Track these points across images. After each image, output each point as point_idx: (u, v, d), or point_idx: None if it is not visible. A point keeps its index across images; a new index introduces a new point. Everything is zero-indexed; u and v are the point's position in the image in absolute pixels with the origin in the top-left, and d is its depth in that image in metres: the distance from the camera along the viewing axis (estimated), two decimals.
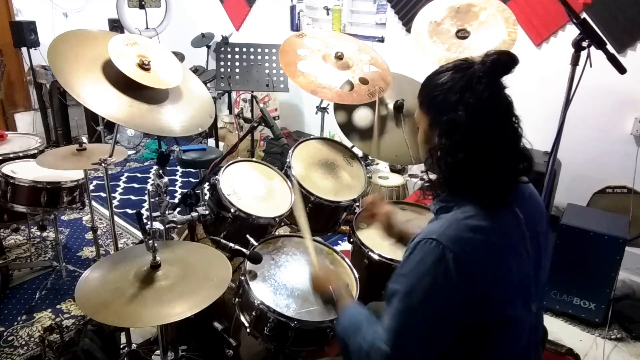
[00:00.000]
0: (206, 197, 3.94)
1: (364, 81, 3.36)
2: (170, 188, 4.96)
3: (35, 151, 4.18)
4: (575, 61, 2.87)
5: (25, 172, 3.70)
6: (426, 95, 1.70)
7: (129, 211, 5.44)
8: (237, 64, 4.77)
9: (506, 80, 1.62)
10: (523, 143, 1.64)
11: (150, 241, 2.15)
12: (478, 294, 1.51)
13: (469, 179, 1.59)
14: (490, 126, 1.56)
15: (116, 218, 5.02)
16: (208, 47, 7.34)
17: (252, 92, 4.92)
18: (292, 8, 6.61)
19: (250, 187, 2.96)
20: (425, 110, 1.70)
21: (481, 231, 1.53)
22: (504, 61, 1.57)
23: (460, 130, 1.56)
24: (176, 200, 2.93)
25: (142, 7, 6.80)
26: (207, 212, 2.81)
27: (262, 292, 2.37)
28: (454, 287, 1.49)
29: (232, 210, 2.72)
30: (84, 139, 3.56)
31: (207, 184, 3.15)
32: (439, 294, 1.51)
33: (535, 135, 3.92)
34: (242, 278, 2.41)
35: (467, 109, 1.54)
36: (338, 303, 2.13)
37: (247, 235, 2.66)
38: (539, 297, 1.74)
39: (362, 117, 3.40)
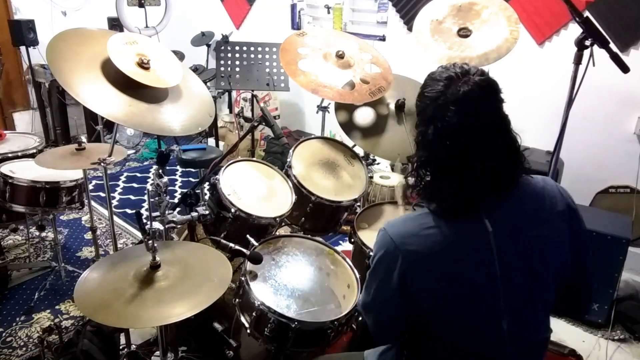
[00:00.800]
0: (206, 197, 3.93)
1: (365, 80, 3.36)
2: (170, 188, 4.96)
3: (34, 151, 4.18)
4: (578, 60, 2.87)
5: (24, 171, 3.70)
6: (417, 98, 1.75)
7: (129, 211, 5.45)
8: (237, 62, 4.77)
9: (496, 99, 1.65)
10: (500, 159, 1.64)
11: (150, 241, 2.15)
12: (413, 283, 1.64)
13: (435, 190, 1.69)
14: (456, 148, 1.61)
15: (115, 218, 5.02)
16: (208, 45, 7.35)
17: (253, 91, 4.92)
18: (293, 6, 6.61)
19: (250, 187, 2.96)
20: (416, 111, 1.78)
21: (432, 228, 1.64)
22: (476, 95, 1.59)
23: (428, 148, 1.67)
24: (176, 200, 2.93)
25: (141, 5, 6.81)
26: (207, 212, 2.80)
27: (262, 292, 2.37)
28: (391, 272, 1.66)
29: (233, 210, 2.71)
30: (83, 139, 3.57)
31: (207, 183, 3.15)
32: (382, 273, 1.73)
33: (538, 134, 3.94)
34: (243, 278, 2.41)
35: (435, 129, 1.62)
36: None
37: (248, 236, 2.66)
38: (521, 314, 1.69)
39: (364, 116, 3.40)
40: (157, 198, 2.46)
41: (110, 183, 3.20)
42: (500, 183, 1.63)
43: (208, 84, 6.53)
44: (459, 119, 1.57)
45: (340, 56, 3.41)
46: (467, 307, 1.65)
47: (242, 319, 2.42)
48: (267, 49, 4.79)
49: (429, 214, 1.67)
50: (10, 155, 4.05)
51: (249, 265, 2.46)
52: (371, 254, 2.75)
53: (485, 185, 1.61)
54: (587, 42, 2.78)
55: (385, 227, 1.72)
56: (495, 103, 1.62)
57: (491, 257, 1.62)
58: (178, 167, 6.43)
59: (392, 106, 3.43)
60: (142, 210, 5.33)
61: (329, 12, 6.27)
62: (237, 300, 2.48)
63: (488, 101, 1.60)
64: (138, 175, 6.51)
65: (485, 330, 1.67)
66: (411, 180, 1.78)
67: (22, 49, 6.61)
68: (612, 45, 2.74)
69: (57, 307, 3.77)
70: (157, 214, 2.50)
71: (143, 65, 2.68)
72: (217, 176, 2.85)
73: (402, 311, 1.74)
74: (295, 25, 6.67)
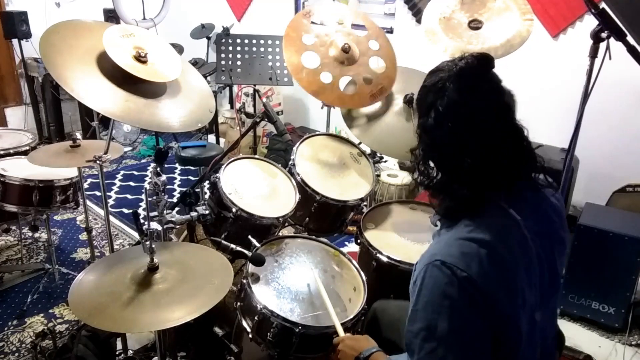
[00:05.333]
0: (206, 196, 3.93)
1: (368, 79, 3.35)
2: (168, 186, 4.95)
3: (27, 148, 4.19)
4: (593, 53, 2.87)
5: (16, 170, 3.70)
6: (417, 93, 1.76)
7: (125, 211, 5.46)
8: (238, 56, 4.76)
9: (492, 82, 1.65)
10: (525, 143, 1.67)
11: (148, 242, 2.15)
12: (491, 308, 1.51)
13: (445, 181, 1.67)
14: (462, 132, 1.60)
15: (112, 218, 5.01)
16: (208, 38, 7.35)
17: (255, 85, 4.91)
18: None
19: (252, 186, 2.96)
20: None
21: (485, 245, 1.55)
22: (472, 67, 1.62)
23: (430, 136, 1.66)
24: (175, 200, 2.92)
25: None
26: (207, 211, 2.80)
27: (264, 295, 2.37)
28: (473, 303, 1.50)
29: (234, 209, 2.71)
30: (78, 135, 3.57)
31: (207, 182, 3.16)
32: (463, 315, 1.51)
33: (552, 131, 3.94)
34: (244, 281, 2.41)
35: (436, 112, 1.61)
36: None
37: (249, 236, 2.66)
38: (547, 304, 1.73)
39: (370, 112, 3.40)
40: (155, 197, 2.46)
41: (106, 182, 3.21)
42: (512, 172, 1.63)
43: (208, 78, 6.53)
44: (459, 95, 1.58)
45: (345, 50, 3.40)
46: (518, 295, 1.59)
47: (244, 323, 2.42)
48: (269, 41, 4.79)
49: (468, 230, 1.59)
50: (1, 152, 4.06)
51: (250, 268, 2.46)
52: (378, 255, 2.77)
53: (497, 173, 1.61)
54: (603, 35, 2.78)
55: (435, 259, 1.54)
56: (493, 78, 1.64)
57: (527, 244, 1.63)
58: (177, 165, 6.44)
59: (400, 101, 3.42)
60: (140, 210, 5.32)
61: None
62: (238, 303, 2.48)
63: (485, 75, 1.63)
64: (135, 173, 6.52)
65: (525, 320, 1.62)
66: (416, 175, 1.77)
67: (15, 41, 6.61)
68: (629, 38, 2.73)
69: (50, 310, 3.78)
70: (155, 213, 2.49)
71: (140, 58, 2.68)
72: (217, 174, 2.85)
73: (488, 349, 1.55)
74: None
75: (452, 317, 1.50)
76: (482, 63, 1.62)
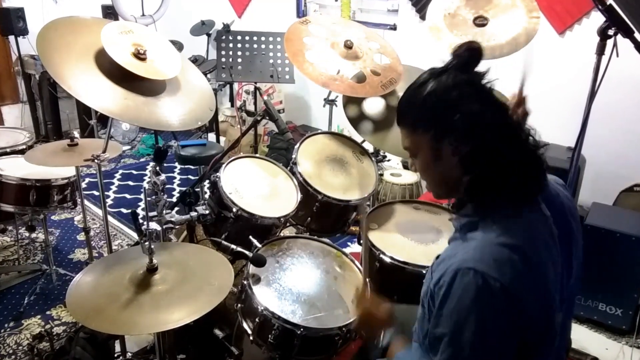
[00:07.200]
0: (206, 196, 3.93)
1: (375, 72, 3.35)
2: (168, 186, 4.96)
3: (24, 146, 4.19)
4: (600, 50, 2.86)
5: (13, 169, 3.70)
6: (417, 111, 1.65)
7: (124, 211, 5.46)
8: (239, 53, 4.76)
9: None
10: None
11: (147, 243, 2.15)
12: (524, 316, 1.50)
13: (496, 185, 1.58)
14: (498, 119, 1.55)
15: (110, 218, 5.02)
16: (208, 35, 7.35)
17: (256, 83, 4.91)
18: None
19: (253, 185, 2.96)
20: (424, 128, 1.63)
21: (516, 250, 1.51)
22: (466, 65, 1.60)
23: (480, 124, 1.54)
24: (174, 199, 2.93)
25: None
26: (207, 211, 2.80)
27: (266, 297, 2.37)
28: (503, 315, 1.48)
29: (234, 209, 2.71)
30: (76, 134, 3.56)
31: (207, 181, 3.15)
32: (489, 327, 1.49)
33: (559, 129, 3.93)
34: (245, 282, 2.42)
35: (471, 100, 1.54)
36: (391, 348, 1.95)
37: (250, 237, 2.66)
38: (566, 305, 1.72)
39: (373, 110, 3.39)
40: (154, 197, 2.46)
41: (104, 181, 3.21)
42: (535, 165, 1.60)
43: (208, 75, 6.53)
44: (474, 102, 1.54)
45: (348, 46, 3.40)
46: (550, 297, 1.59)
47: (245, 325, 2.42)
48: (270, 38, 4.78)
49: (498, 234, 1.55)
50: None
51: (251, 268, 2.46)
52: (381, 256, 2.77)
53: (533, 165, 1.59)
54: (611, 32, 2.78)
55: (467, 266, 1.50)
56: (478, 76, 1.60)
57: (554, 242, 1.63)
58: (176, 164, 6.44)
59: None
60: (139, 210, 5.32)
61: (336, 0, 6.26)
62: (239, 305, 2.48)
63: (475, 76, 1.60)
64: (134, 172, 6.52)
65: (551, 320, 1.62)
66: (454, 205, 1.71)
67: (11, 38, 6.62)
68: (637, 35, 2.73)
69: (48, 312, 3.78)
70: (154, 213, 2.49)
71: (139, 56, 2.68)
72: (217, 174, 2.85)
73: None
74: (301, 13, 6.66)
75: (478, 326, 1.48)
76: (472, 60, 1.61)
